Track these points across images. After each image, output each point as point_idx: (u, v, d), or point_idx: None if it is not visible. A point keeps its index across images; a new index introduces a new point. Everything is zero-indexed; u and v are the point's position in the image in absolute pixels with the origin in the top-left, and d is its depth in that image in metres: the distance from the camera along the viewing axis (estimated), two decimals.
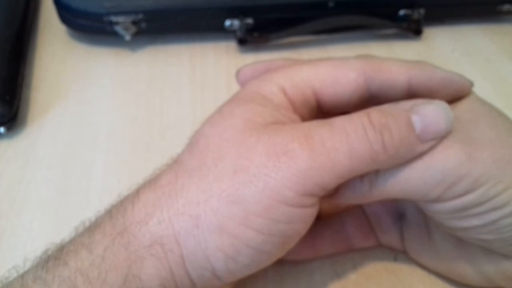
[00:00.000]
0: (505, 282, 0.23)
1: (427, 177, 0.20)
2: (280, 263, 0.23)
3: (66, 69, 0.39)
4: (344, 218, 0.27)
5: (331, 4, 0.39)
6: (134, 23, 0.38)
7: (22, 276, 0.19)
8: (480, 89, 0.24)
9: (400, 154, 0.20)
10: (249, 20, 0.39)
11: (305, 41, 0.41)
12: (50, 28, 0.42)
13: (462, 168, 0.20)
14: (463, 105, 0.23)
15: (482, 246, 0.22)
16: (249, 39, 0.40)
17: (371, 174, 0.21)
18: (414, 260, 0.26)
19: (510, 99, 0.37)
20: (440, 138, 0.20)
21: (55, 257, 0.19)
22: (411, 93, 0.22)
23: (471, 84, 0.23)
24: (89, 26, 0.39)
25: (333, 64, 0.22)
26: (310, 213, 0.20)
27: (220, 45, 0.41)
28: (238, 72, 0.24)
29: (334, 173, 0.19)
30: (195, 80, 0.38)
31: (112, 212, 0.20)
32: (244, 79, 0.24)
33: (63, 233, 0.21)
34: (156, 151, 0.32)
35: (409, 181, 0.20)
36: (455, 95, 0.23)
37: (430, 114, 0.20)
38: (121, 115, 0.35)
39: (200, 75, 0.38)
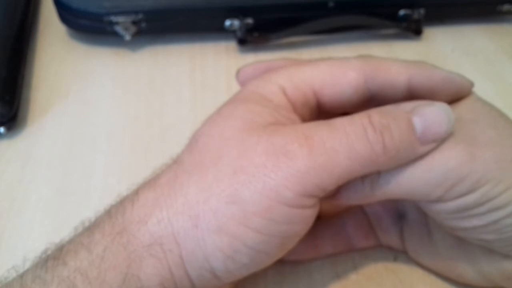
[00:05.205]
0: (505, 282, 0.23)
1: (429, 178, 0.20)
2: (281, 263, 0.23)
3: (66, 69, 0.39)
4: (345, 219, 0.27)
5: (331, 4, 0.39)
6: (134, 23, 0.38)
7: (21, 276, 0.19)
8: (480, 89, 0.24)
9: (401, 156, 0.20)
10: (249, 20, 0.39)
11: (305, 41, 0.41)
12: (50, 28, 0.42)
13: (463, 168, 0.19)
14: (463, 105, 0.23)
15: (482, 246, 0.22)
16: (249, 39, 0.40)
17: (373, 175, 0.21)
18: (414, 260, 0.26)
19: (510, 99, 0.37)
20: (441, 140, 0.20)
21: (54, 257, 0.19)
22: (411, 94, 0.22)
23: (472, 84, 0.23)
24: (89, 26, 0.39)
25: (333, 64, 0.22)
26: (309, 214, 0.20)
27: (220, 45, 0.41)
28: (238, 72, 0.24)
29: (334, 174, 0.19)
30: (195, 80, 0.38)
31: (111, 212, 0.20)
32: (244, 79, 0.24)
33: (63, 233, 0.21)
34: (156, 151, 0.32)
35: (411, 181, 0.20)
36: (456, 95, 0.23)
37: (431, 116, 0.20)
38: (121, 115, 0.35)
39: (200, 75, 0.38)
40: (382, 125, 0.19)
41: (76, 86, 0.37)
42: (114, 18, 0.38)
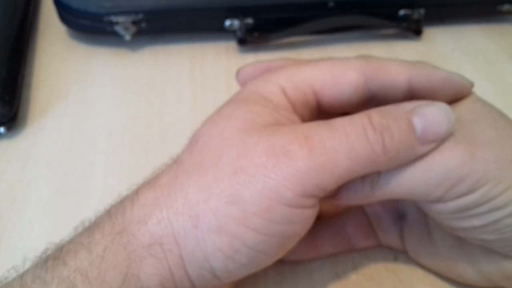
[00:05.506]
0: (505, 282, 0.23)
1: (429, 178, 0.20)
2: (281, 263, 0.23)
3: (66, 69, 0.39)
4: (345, 219, 0.27)
5: (331, 4, 0.39)
6: (134, 23, 0.38)
7: (21, 276, 0.19)
8: (480, 89, 0.24)
9: (401, 156, 0.20)
10: (249, 20, 0.39)
11: (305, 41, 0.41)
12: (50, 28, 0.42)
13: (464, 168, 0.19)
14: (463, 105, 0.23)
15: (482, 246, 0.22)
16: (249, 39, 0.40)
17: (373, 175, 0.21)
18: (414, 260, 0.26)
19: (510, 99, 0.37)
20: (441, 140, 0.20)
21: (54, 257, 0.19)
22: (411, 94, 0.22)
23: (472, 84, 0.23)
24: (89, 26, 0.39)
25: (333, 64, 0.22)
26: (309, 214, 0.20)
27: (220, 45, 0.41)
28: (238, 72, 0.24)
29: (334, 174, 0.19)
30: (195, 80, 0.38)
31: (111, 212, 0.20)
32: (244, 79, 0.24)
33: (63, 233, 0.21)
34: (156, 151, 0.32)
35: (411, 182, 0.20)
36: (456, 95, 0.23)
37: (431, 116, 0.20)
38: (121, 115, 0.35)
39: (200, 75, 0.38)
40: (382, 125, 0.19)
41: (76, 86, 0.37)
42: (114, 18, 0.38)
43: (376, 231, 0.26)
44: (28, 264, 0.20)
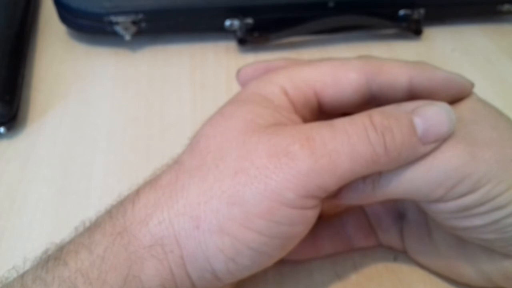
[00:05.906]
0: (505, 281, 0.23)
1: (430, 178, 0.20)
2: (281, 263, 0.23)
3: (66, 69, 0.39)
4: (345, 218, 0.27)
5: (331, 4, 0.39)
6: (134, 23, 0.38)
7: (22, 276, 0.19)
8: (480, 89, 0.24)
9: (402, 156, 0.20)
10: (249, 20, 0.39)
11: (305, 41, 0.41)
12: (50, 28, 0.42)
13: (465, 168, 0.19)
14: (464, 105, 0.23)
15: (483, 245, 0.22)
16: (249, 39, 0.40)
17: (374, 175, 0.21)
18: (414, 260, 0.26)
19: (510, 99, 0.37)
20: (442, 140, 0.20)
21: (55, 257, 0.19)
22: (412, 94, 0.22)
23: (472, 85, 0.23)
24: (89, 26, 0.39)
25: (334, 65, 0.22)
26: (311, 215, 0.20)
27: (220, 45, 0.41)
28: (238, 72, 0.24)
29: (336, 175, 0.19)
30: (195, 80, 0.38)
31: (112, 212, 0.20)
32: (244, 79, 0.24)
33: (63, 233, 0.21)
34: (156, 151, 0.32)
35: (412, 182, 0.20)
36: (456, 95, 0.23)
37: (432, 116, 0.20)
38: (121, 115, 0.35)
39: (200, 75, 0.38)
40: (383, 126, 0.19)
41: (76, 86, 0.37)
42: (114, 18, 0.38)
43: (376, 231, 0.26)
44: (28, 264, 0.20)
